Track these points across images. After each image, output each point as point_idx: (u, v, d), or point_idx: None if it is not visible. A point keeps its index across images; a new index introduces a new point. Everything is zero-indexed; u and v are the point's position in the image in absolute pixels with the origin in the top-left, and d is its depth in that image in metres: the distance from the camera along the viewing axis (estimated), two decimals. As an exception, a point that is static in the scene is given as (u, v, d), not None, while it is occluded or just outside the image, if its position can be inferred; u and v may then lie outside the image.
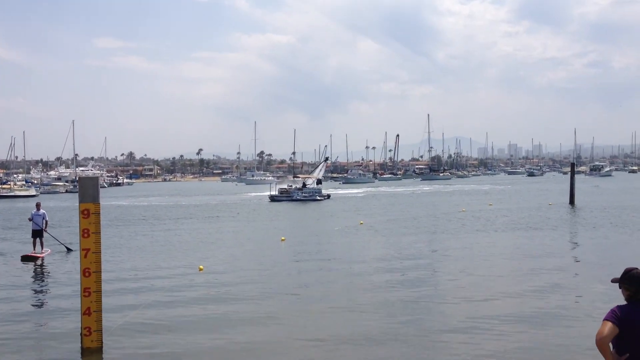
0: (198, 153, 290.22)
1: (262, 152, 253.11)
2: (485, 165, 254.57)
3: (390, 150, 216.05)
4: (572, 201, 46.36)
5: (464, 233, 28.27)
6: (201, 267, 18.66)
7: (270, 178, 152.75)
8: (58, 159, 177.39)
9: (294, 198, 61.78)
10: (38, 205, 23.06)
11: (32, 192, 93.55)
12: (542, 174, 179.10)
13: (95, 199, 10.38)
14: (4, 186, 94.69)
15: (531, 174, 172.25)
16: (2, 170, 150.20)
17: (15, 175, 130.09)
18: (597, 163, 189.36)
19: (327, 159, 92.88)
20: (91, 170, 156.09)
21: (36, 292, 16.15)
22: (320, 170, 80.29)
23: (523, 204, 48.37)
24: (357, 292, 14.96)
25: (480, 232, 28.75)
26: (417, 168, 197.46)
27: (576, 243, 25.01)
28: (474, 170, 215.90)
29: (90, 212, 10.31)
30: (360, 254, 22.24)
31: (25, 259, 20.99)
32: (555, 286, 15.02)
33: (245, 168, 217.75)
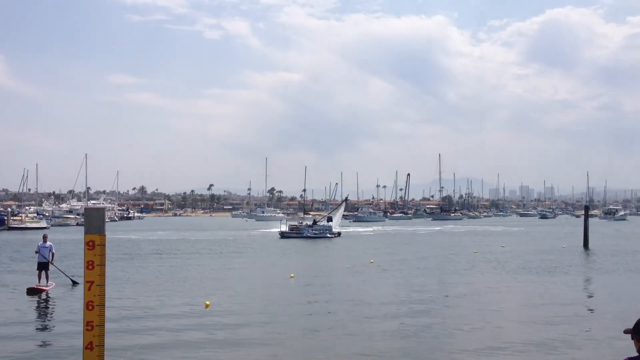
0: (209, 188, 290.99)
1: (272, 189, 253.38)
2: (497, 206, 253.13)
3: (400, 189, 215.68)
4: (586, 244, 45.68)
5: (475, 275, 27.75)
6: (207, 303, 18.32)
7: (280, 214, 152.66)
8: (70, 192, 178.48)
9: (304, 235, 61.42)
10: (45, 237, 22.74)
11: (43, 224, 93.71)
12: (554, 217, 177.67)
13: (101, 230, 10.12)
14: (15, 218, 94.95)
15: (544, 217, 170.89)
16: (14, 203, 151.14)
17: (27, 208, 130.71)
18: (611, 207, 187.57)
19: (346, 199, 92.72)
20: (102, 203, 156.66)
21: (39, 328, 15.83)
22: (342, 210, 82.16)
23: (536, 247, 47.70)
24: (367, 339, 14.28)
25: (491, 275, 28.22)
26: (428, 208, 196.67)
27: (590, 290, 24.38)
28: (485, 211, 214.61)
29: (95, 244, 10.04)
30: (370, 295, 21.75)
31: (31, 292, 20.68)
32: (567, 339, 14.35)
33: (255, 204, 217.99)
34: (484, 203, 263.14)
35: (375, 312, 17.89)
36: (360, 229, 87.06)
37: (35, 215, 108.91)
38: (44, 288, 21.04)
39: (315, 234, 61.91)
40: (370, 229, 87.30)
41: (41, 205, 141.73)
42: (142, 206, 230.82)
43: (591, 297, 22.44)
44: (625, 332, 5.10)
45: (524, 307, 19.05)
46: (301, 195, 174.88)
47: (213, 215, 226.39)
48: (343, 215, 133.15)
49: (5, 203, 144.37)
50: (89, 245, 10.23)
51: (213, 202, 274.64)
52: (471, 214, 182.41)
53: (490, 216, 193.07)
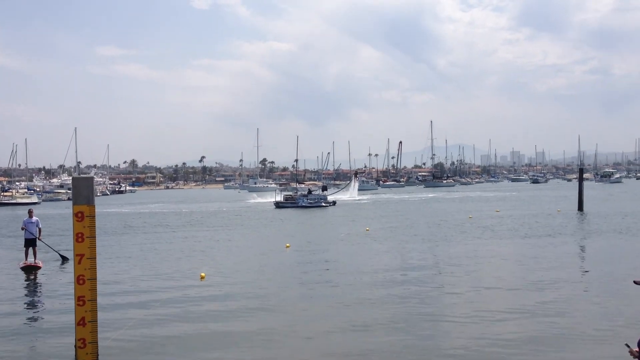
0: (200, 161, 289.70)
1: (264, 160, 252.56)
2: (489, 172, 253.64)
3: (392, 158, 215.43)
4: (580, 208, 45.58)
5: (471, 241, 27.53)
6: (203, 274, 17.98)
7: (273, 185, 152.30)
8: (60, 166, 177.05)
9: (300, 205, 61.33)
10: (30, 212, 21.61)
11: (34, 199, 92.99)
12: (546, 181, 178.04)
13: (89, 201, 9.68)
14: (5, 193, 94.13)
15: (535, 181, 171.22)
16: (4, 178, 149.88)
17: (17, 183, 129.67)
18: (607, 170, 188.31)
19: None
20: (94, 177, 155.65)
21: (28, 305, 15.37)
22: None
23: (531, 211, 47.58)
24: (362, 307, 13.91)
25: (488, 239, 28.02)
26: (420, 175, 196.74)
27: (585, 252, 24.17)
28: (477, 178, 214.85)
29: (84, 215, 9.61)
30: (366, 263, 21.45)
31: (27, 269, 19.88)
32: (567, 300, 14.12)
33: (247, 175, 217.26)
34: (476, 169, 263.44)
35: (369, 281, 17.50)
36: (357, 197, 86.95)
37: (26, 190, 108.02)
38: (39, 265, 20.35)
39: (310, 203, 61.80)
40: (364, 198, 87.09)
41: (32, 181, 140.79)
42: (133, 180, 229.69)
43: (585, 258, 22.25)
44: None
45: (520, 271, 18.77)
46: (293, 166, 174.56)
47: (205, 187, 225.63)
48: (335, 184, 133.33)
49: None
50: (78, 216, 9.77)
51: (205, 175, 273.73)
52: (463, 180, 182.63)
53: (482, 182, 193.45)
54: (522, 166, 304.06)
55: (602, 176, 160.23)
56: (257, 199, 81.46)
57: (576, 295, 14.59)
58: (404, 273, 18.25)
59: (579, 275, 17.80)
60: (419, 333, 11.40)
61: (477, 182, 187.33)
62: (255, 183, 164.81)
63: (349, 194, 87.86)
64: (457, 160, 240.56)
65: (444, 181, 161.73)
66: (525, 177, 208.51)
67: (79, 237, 9.60)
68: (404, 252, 23.63)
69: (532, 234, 29.40)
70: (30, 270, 19.87)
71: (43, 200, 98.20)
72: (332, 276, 18.01)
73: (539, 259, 20.81)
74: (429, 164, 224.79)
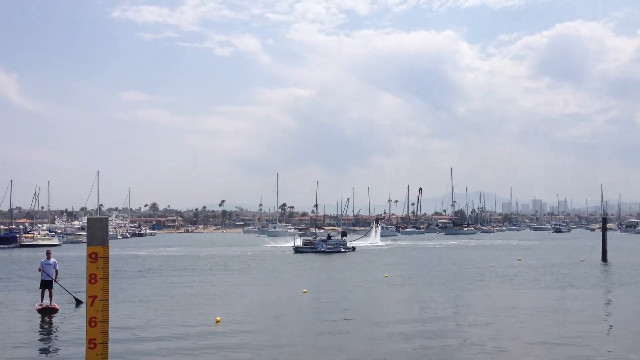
0: (220, 204, 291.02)
1: (284, 204, 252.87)
2: (510, 220, 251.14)
3: (412, 204, 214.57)
4: (604, 258, 44.70)
5: (492, 289, 27.02)
6: (218, 318, 17.78)
7: (292, 230, 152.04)
8: (82, 209, 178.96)
9: (319, 250, 61.03)
10: (48, 254, 21.41)
11: (55, 241, 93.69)
12: (569, 231, 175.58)
13: (104, 242, 9.60)
14: (27, 235, 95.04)
15: (558, 230, 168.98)
16: (27, 220, 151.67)
17: (39, 225, 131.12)
18: (631, 220, 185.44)
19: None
20: (114, 220, 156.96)
21: (42, 349, 15.26)
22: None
23: (553, 260, 46.77)
24: (380, 345, 14.13)
25: (510, 288, 27.48)
26: (440, 222, 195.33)
27: (610, 304, 23.57)
28: (498, 226, 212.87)
29: (98, 256, 9.52)
30: (384, 311, 21.15)
31: (43, 311, 19.65)
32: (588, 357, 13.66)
33: (267, 220, 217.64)
34: (497, 217, 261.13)
35: (388, 329, 17.24)
36: (377, 243, 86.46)
37: (48, 232, 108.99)
38: (56, 307, 20.13)
39: (329, 248, 61.50)
40: (384, 244, 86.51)
41: (53, 223, 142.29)
42: (154, 223, 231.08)
43: (611, 313, 21.65)
44: None
45: (543, 320, 18.28)
46: (313, 211, 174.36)
47: (225, 231, 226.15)
48: (354, 230, 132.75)
49: (18, 221, 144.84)
50: (92, 257, 9.71)
51: (225, 218, 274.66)
52: (484, 228, 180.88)
53: (503, 230, 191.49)
54: (545, 215, 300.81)
55: (627, 226, 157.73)
56: (273, 244, 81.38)
57: (598, 352, 14.11)
58: (422, 325, 17.69)
59: (605, 330, 17.29)
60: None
61: (498, 230, 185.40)
62: (274, 228, 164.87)
63: (371, 240, 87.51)
64: (478, 208, 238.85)
65: (465, 229, 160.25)
66: (547, 225, 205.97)
67: (92, 279, 9.51)
68: (422, 302, 23.19)
69: (554, 285, 28.78)
70: (46, 312, 19.68)
71: (64, 242, 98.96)
72: (347, 326, 17.58)
73: (562, 311, 20.28)
74: (449, 211, 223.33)
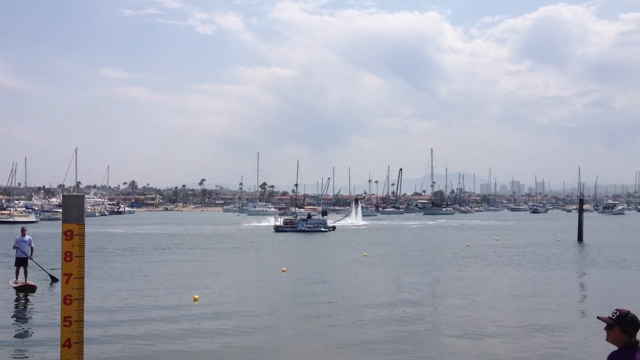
0: (200, 183, 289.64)
1: (264, 184, 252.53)
2: (488, 201, 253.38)
3: (392, 184, 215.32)
4: (580, 238, 45.37)
5: (469, 268, 27.33)
6: (196, 297, 17.78)
7: (272, 209, 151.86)
8: (60, 186, 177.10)
9: (299, 229, 61.22)
10: (23, 231, 20.95)
11: (32, 218, 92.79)
12: (545, 211, 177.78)
13: (80, 220, 9.51)
14: (3, 212, 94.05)
15: (535, 211, 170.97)
16: (3, 197, 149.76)
17: (16, 202, 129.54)
18: (609, 202, 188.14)
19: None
20: (93, 198, 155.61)
21: (15, 324, 15.21)
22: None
23: (530, 240, 47.37)
24: (357, 328, 14.20)
25: (486, 267, 27.82)
26: (419, 202, 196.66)
27: (583, 282, 24.03)
28: (477, 206, 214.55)
29: (73, 234, 9.43)
30: (362, 287, 21.35)
31: (21, 289, 19.24)
32: (561, 327, 14.04)
33: (247, 199, 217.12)
34: (476, 198, 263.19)
35: (366, 303, 17.54)
36: (358, 223, 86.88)
37: (24, 209, 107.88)
38: (34, 285, 19.74)
39: (309, 227, 61.72)
40: (364, 223, 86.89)
41: (30, 200, 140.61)
42: (133, 201, 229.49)
43: (582, 288, 22.05)
44: (602, 319, 4.47)
45: (517, 297, 18.55)
46: (293, 190, 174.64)
47: (205, 210, 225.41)
48: (335, 210, 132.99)
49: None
50: (67, 235, 9.61)
51: (205, 197, 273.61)
52: (463, 208, 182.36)
53: (481, 211, 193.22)
54: (522, 196, 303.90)
55: (604, 207, 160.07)
56: (253, 223, 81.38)
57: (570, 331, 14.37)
58: (398, 305, 17.75)
59: (577, 311, 17.59)
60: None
61: (476, 211, 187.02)
62: (254, 207, 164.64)
63: (351, 220, 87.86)
64: (457, 189, 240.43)
65: (444, 209, 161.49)
66: (524, 206, 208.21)
67: (67, 256, 9.43)
68: (399, 280, 23.41)
69: (530, 264, 29.18)
70: (24, 290, 19.29)
71: (41, 219, 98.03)
72: (325, 308, 17.61)
73: (537, 290, 20.60)
74: (428, 192, 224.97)
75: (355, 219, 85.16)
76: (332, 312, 16.21)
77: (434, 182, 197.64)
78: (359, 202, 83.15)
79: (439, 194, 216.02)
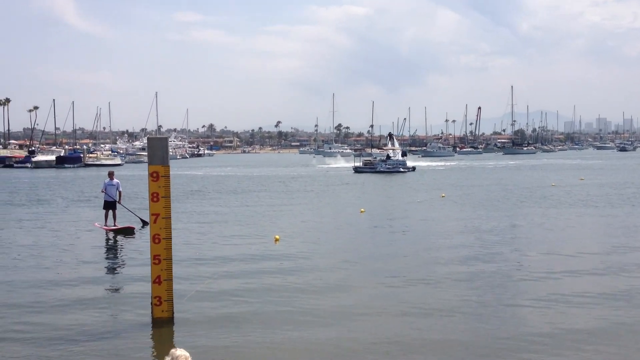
0: (276, 125, 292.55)
1: (339, 125, 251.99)
2: (572, 139, 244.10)
3: (471, 124, 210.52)
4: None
5: (553, 208, 26.43)
6: (277, 237, 18.02)
7: (347, 151, 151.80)
8: (142, 130, 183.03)
9: (378, 170, 61.13)
10: (111, 175, 20.96)
11: (118, 161, 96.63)
12: (634, 149, 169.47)
13: (164, 161, 9.69)
14: (90, 155, 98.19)
15: (623, 149, 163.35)
16: (90, 141, 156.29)
17: (102, 145, 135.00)
18: None
19: (390, 135, 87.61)
20: (173, 141, 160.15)
21: (109, 264, 15.87)
22: (393, 147, 78.83)
23: (618, 179, 45.34)
24: (434, 266, 14.30)
25: (571, 207, 26.84)
26: (499, 142, 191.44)
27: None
28: (560, 145, 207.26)
29: (159, 175, 9.63)
30: (440, 227, 21.05)
31: (120, 232, 19.34)
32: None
33: (322, 140, 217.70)
34: (559, 136, 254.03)
35: (444, 243, 17.41)
36: (433, 164, 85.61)
37: (110, 152, 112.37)
38: (132, 226, 19.86)
39: (388, 168, 61.51)
40: (440, 164, 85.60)
41: (115, 143, 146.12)
42: (211, 144, 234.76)
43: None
44: None
45: (604, 236, 17.77)
46: (368, 131, 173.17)
47: (280, 152, 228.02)
48: (411, 150, 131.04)
49: (81, 141, 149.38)
50: (153, 176, 9.80)
51: (280, 139, 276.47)
52: (545, 147, 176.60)
53: (565, 150, 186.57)
54: (609, 134, 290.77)
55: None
56: (332, 164, 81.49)
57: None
58: (478, 246, 17.29)
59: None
60: (492, 319, 10.88)
61: (559, 150, 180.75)
62: (330, 148, 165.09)
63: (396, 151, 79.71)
64: (539, 127, 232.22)
65: (525, 148, 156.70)
66: (611, 144, 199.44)
67: (154, 197, 9.65)
68: (478, 223, 22.89)
69: (618, 204, 27.93)
70: (123, 232, 19.42)
71: (126, 162, 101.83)
72: (402, 247, 17.52)
73: (627, 231, 19.71)
74: (509, 131, 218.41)
75: (393, 155, 78.15)
76: (409, 252, 16.07)
77: (515, 121, 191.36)
78: (393, 137, 79.81)
79: (519, 133, 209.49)
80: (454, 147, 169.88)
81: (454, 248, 16.71)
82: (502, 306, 10.75)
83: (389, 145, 76.12)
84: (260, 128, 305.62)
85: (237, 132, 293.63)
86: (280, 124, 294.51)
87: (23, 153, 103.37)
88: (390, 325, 9.77)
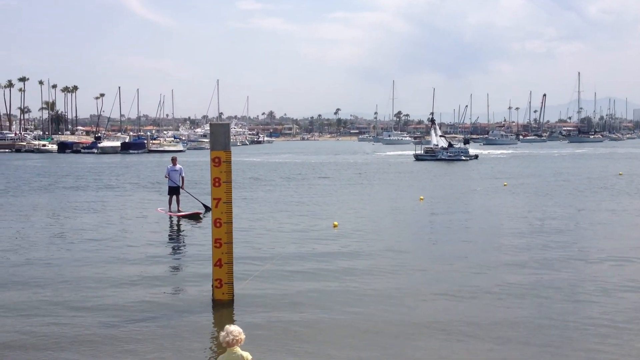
0: (336, 113, 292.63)
1: (399, 113, 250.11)
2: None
3: (535, 111, 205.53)
4: None
5: (619, 198, 25.55)
6: (335, 223, 18.08)
7: (407, 138, 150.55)
8: (204, 117, 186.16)
9: (439, 157, 60.46)
10: (174, 160, 21.19)
11: (180, 147, 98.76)
12: None
13: (226, 147, 9.85)
14: (154, 141, 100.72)
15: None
16: (153, 127, 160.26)
17: (165, 132, 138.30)
18: None
19: (432, 119, 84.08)
20: (234, 128, 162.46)
21: (173, 247, 16.29)
22: (436, 133, 75.79)
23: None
24: (494, 253, 14.20)
25: (638, 197, 25.90)
26: (564, 130, 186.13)
27: None
28: (629, 133, 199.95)
29: (221, 160, 9.81)
30: (501, 219, 20.59)
31: (186, 217, 19.57)
32: None
33: (382, 128, 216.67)
34: (627, 124, 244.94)
35: (505, 232, 17.17)
36: (496, 152, 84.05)
37: (173, 139, 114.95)
38: (199, 212, 20.16)
39: (450, 156, 60.79)
40: (502, 152, 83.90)
41: (178, 130, 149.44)
42: (271, 131, 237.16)
43: None
44: None
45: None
46: (428, 119, 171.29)
47: (340, 139, 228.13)
48: (472, 138, 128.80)
49: (145, 128, 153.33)
50: (215, 161, 9.99)
51: (340, 127, 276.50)
52: (613, 135, 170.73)
53: (634, 138, 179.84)
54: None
55: None
56: (391, 152, 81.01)
57: None
58: (540, 235, 16.87)
59: None
60: (556, 305, 10.65)
61: (628, 138, 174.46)
62: (389, 136, 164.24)
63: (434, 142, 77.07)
64: (607, 115, 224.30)
65: (591, 136, 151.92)
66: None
67: (216, 182, 9.84)
68: (543, 211, 22.34)
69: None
70: (190, 217, 19.69)
71: (187, 149, 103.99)
72: (465, 234, 17.40)
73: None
74: (574, 119, 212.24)
75: (436, 141, 74.50)
76: (470, 238, 15.86)
77: (581, 108, 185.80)
78: (435, 122, 77.14)
79: (586, 121, 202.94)
80: (517, 135, 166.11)
81: (516, 238, 16.36)
82: (566, 292, 10.54)
83: (432, 132, 74.09)
84: (319, 115, 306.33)
85: (296, 119, 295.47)
86: (339, 112, 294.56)
87: (90, 139, 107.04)
88: (449, 307, 9.81)
